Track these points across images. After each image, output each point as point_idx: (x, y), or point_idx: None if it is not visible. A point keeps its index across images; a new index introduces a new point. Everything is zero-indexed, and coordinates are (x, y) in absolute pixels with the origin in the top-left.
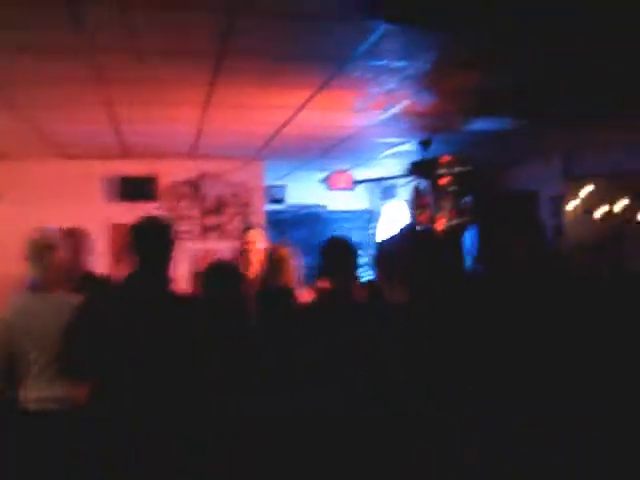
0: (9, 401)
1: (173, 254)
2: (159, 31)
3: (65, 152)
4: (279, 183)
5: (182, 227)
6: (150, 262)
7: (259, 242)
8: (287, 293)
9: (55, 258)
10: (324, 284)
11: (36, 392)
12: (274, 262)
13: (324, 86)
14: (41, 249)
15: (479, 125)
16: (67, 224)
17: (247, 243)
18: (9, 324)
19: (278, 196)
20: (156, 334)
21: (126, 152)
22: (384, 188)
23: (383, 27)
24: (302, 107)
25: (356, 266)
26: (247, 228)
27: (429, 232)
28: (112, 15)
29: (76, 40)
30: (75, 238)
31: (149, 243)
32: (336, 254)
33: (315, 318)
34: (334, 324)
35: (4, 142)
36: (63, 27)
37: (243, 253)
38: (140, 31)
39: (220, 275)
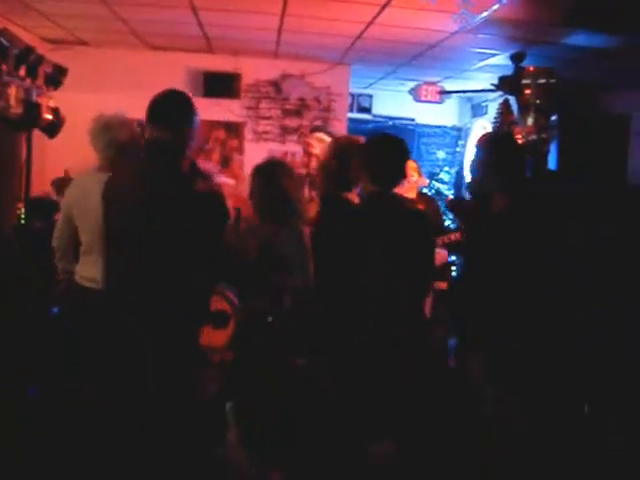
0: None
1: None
2: None
3: (149, 42)
4: (366, 92)
5: (262, 127)
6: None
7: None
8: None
9: (114, 139)
10: None
11: (84, 270)
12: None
13: None
14: (101, 129)
15: (576, 39)
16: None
17: (309, 145)
18: (65, 203)
19: (364, 105)
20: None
21: (210, 47)
22: (474, 105)
23: None
24: (387, 4)
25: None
26: (315, 129)
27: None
28: None
29: None
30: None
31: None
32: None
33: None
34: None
35: (86, 28)
36: None
37: (307, 154)
38: None
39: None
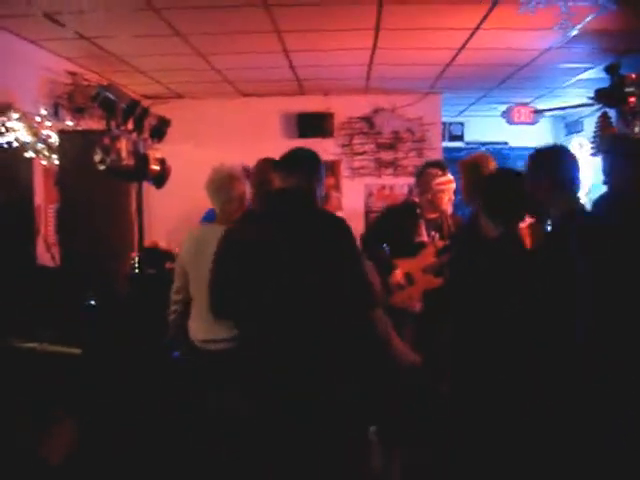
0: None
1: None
2: None
3: (241, 89)
4: (457, 120)
5: (357, 163)
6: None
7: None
8: None
9: (235, 191)
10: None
11: (200, 332)
12: None
13: (498, 2)
14: (219, 184)
15: None
16: (244, 160)
17: (441, 183)
18: (180, 257)
19: (456, 133)
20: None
21: (302, 89)
22: (568, 123)
23: None
24: (478, 27)
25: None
26: (438, 164)
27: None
28: None
29: None
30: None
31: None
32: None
33: None
34: None
35: (181, 80)
36: None
37: (434, 195)
38: None
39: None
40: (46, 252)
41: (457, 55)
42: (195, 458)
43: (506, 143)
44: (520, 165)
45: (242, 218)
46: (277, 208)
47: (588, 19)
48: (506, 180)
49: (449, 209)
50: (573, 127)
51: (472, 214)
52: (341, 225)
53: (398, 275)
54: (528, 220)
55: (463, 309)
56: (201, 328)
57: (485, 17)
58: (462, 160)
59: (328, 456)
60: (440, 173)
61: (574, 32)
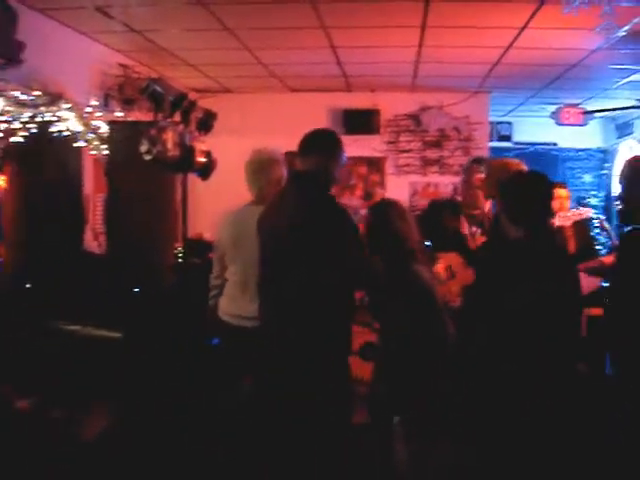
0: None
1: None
2: None
3: (288, 85)
4: (505, 120)
5: (403, 160)
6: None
7: None
8: None
9: (274, 173)
10: None
11: (233, 307)
12: None
13: (545, 1)
14: (257, 167)
15: None
16: None
17: (478, 178)
18: (219, 242)
19: (504, 133)
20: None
21: (348, 85)
22: (618, 125)
23: None
24: (525, 26)
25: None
26: (478, 160)
27: None
28: None
29: None
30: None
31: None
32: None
33: None
34: None
35: (229, 75)
36: None
37: (471, 188)
38: None
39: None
40: (93, 240)
41: (505, 54)
42: (231, 443)
43: (555, 144)
44: (569, 166)
45: (269, 204)
46: (291, 192)
47: (636, 20)
48: (526, 183)
49: (487, 206)
50: (624, 129)
51: (496, 213)
52: (341, 213)
53: (439, 267)
54: (572, 219)
55: (483, 305)
56: (236, 304)
57: (532, 16)
58: (490, 160)
59: (326, 455)
60: (481, 170)
61: (621, 33)
